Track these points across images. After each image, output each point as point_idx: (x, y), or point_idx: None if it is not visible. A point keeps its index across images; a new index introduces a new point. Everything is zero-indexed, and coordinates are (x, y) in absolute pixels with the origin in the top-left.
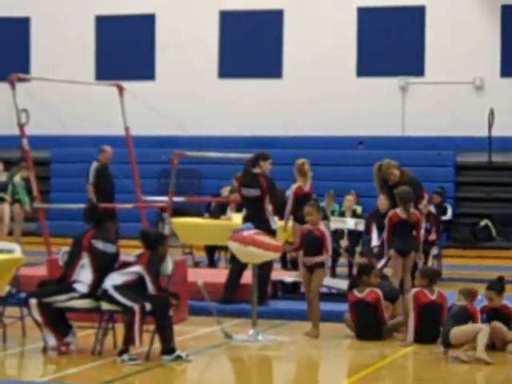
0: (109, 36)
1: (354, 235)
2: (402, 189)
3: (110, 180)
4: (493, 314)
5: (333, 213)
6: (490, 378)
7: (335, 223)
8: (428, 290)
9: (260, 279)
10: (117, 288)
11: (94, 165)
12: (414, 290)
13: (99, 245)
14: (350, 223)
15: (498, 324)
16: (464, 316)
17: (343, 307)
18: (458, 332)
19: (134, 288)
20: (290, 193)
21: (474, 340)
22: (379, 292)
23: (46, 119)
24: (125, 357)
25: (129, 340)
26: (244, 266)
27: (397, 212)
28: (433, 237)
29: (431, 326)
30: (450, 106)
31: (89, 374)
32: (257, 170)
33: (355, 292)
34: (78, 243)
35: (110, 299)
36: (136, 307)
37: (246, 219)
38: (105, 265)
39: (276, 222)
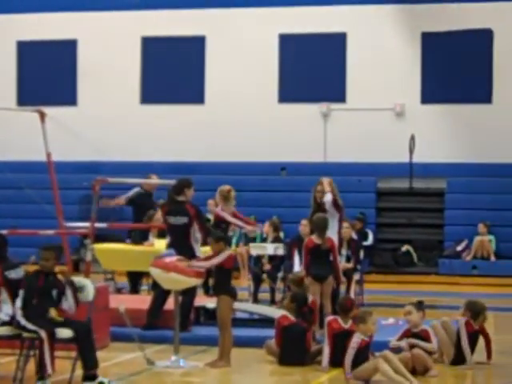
0: (30, 61)
1: (276, 260)
2: (317, 216)
3: (153, 206)
4: (413, 338)
5: (255, 239)
6: None
7: (255, 249)
8: (342, 319)
9: (183, 305)
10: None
11: (135, 190)
12: (328, 318)
13: (12, 275)
14: (269, 249)
15: (418, 351)
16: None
17: (265, 333)
18: (357, 373)
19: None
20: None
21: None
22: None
23: None
24: None
25: (42, 368)
26: (168, 293)
27: (312, 238)
28: (348, 265)
29: (344, 352)
30: (372, 133)
31: None
32: (181, 198)
33: (288, 316)
34: None
35: (24, 329)
36: (43, 334)
37: (170, 247)
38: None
39: (200, 250)
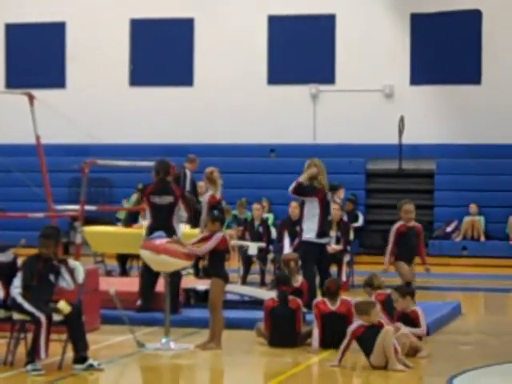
0: (19, 44)
1: (264, 241)
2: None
3: (194, 189)
4: (402, 319)
5: (245, 220)
6: (403, 382)
7: (238, 243)
8: (330, 301)
9: (171, 287)
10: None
11: (189, 174)
12: (316, 300)
13: (2, 258)
14: (252, 248)
15: (407, 332)
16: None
17: (256, 315)
18: (378, 357)
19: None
20: (203, 201)
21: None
22: (299, 300)
23: None
24: (28, 367)
25: (34, 351)
26: (156, 275)
27: (403, 223)
28: (338, 247)
29: (333, 334)
30: (361, 114)
31: None
32: (168, 178)
33: (275, 299)
34: None
35: (19, 308)
36: (42, 318)
37: (151, 228)
38: (11, 275)
39: (181, 231)
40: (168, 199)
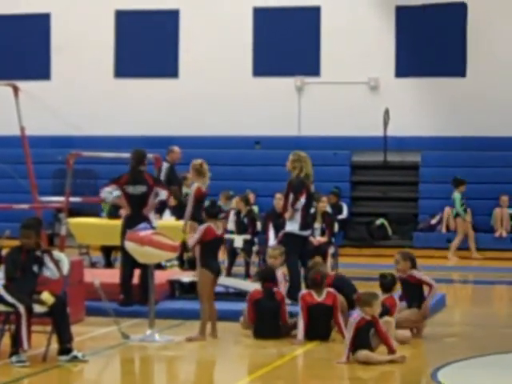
0: (3, 35)
1: (249, 233)
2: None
3: (177, 180)
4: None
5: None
6: (385, 375)
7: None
8: (315, 292)
9: (143, 280)
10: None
11: (165, 165)
12: (302, 292)
13: None
14: (238, 241)
15: (389, 319)
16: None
17: (240, 306)
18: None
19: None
20: (190, 193)
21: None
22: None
23: None
24: (13, 359)
25: (17, 342)
26: (133, 267)
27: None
28: (323, 239)
29: (319, 325)
30: (346, 106)
31: None
32: (142, 168)
33: (260, 290)
34: None
35: (1, 299)
36: (21, 309)
37: (128, 217)
38: None
39: (156, 221)
40: (140, 189)
